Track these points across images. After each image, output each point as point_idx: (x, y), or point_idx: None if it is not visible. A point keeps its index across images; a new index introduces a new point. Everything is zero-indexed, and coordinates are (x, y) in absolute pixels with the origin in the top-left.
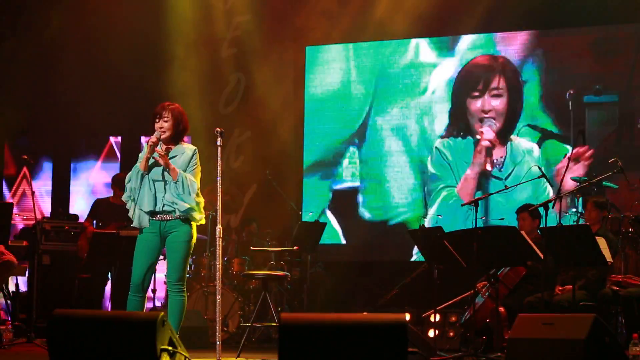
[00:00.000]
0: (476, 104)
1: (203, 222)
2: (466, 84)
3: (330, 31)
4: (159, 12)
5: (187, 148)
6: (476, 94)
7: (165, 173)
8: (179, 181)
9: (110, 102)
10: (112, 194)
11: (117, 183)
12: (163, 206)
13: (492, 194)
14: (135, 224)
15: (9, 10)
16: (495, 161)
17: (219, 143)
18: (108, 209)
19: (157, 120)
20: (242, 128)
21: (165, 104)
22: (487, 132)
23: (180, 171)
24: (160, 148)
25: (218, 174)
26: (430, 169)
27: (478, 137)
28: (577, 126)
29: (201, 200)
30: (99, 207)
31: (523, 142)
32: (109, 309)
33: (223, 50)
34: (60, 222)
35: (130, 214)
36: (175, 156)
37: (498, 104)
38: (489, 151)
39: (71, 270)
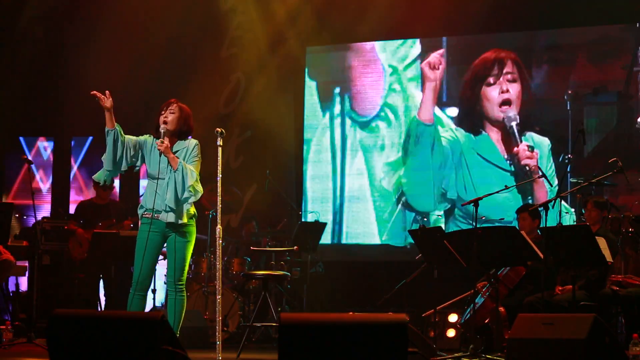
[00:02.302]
0: (493, 90)
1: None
2: (478, 75)
3: (331, 31)
4: (159, 13)
5: (189, 142)
6: (492, 80)
7: (166, 170)
8: (179, 170)
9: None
10: (94, 195)
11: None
12: (165, 205)
13: (492, 193)
14: (97, 177)
15: None
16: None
17: (219, 143)
18: (93, 210)
19: (162, 112)
20: (242, 128)
21: (173, 100)
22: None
23: (180, 160)
24: (163, 139)
25: (218, 174)
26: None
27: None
28: (576, 126)
29: (199, 187)
30: (83, 209)
31: (535, 136)
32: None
33: (223, 50)
34: (61, 222)
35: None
36: (178, 151)
37: (514, 88)
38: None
39: (71, 270)
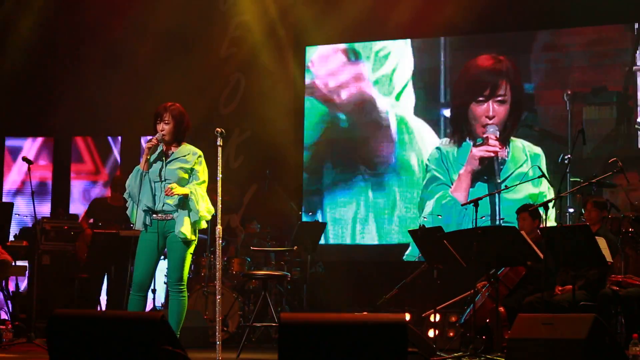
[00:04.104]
0: (480, 109)
1: (204, 226)
2: (470, 88)
3: (330, 31)
4: (159, 13)
5: (190, 152)
6: (482, 99)
7: (164, 172)
8: (191, 199)
9: (110, 101)
10: (110, 194)
11: (117, 185)
12: (163, 205)
13: (492, 193)
14: (137, 226)
15: None
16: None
17: (219, 143)
18: (106, 210)
19: (158, 122)
20: (242, 128)
21: (166, 104)
22: (491, 140)
23: (190, 188)
24: (162, 149)
25: (218, 174)
26: (431, 166)
27: (478, 140)
28: (575, 126)
29: (209, 207)
30: (96, 207)
31: (525, 143)
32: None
33: (223, 50)
34: (60, 222)
35: (128, 212)
36: (177, 158)
37: (502, 109)
38: (489, 160)
39: (71, 270)
